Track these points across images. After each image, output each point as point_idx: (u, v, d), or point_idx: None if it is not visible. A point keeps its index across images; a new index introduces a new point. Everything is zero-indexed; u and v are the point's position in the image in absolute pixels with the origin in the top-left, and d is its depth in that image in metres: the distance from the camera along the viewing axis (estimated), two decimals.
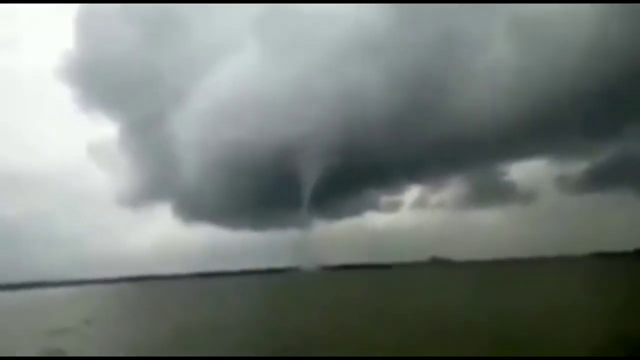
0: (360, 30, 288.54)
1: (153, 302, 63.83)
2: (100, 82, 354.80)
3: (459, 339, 17.78)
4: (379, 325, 23.89)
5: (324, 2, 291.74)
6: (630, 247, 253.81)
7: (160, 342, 21.77)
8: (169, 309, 46.64)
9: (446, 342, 17.06)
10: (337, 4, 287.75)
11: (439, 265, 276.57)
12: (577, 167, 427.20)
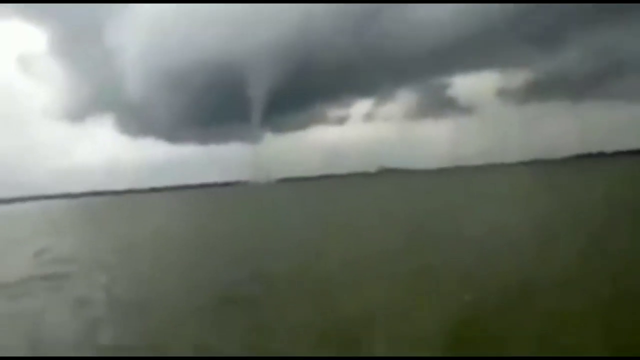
0: None
1: (104, 218, 62.77)
2: None
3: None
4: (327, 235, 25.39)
5: None
6: (569, 153, 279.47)
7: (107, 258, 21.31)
8: (120, 224, 46.17)
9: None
10: None
11: (386, 174, 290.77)
12: (518, 78, 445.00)
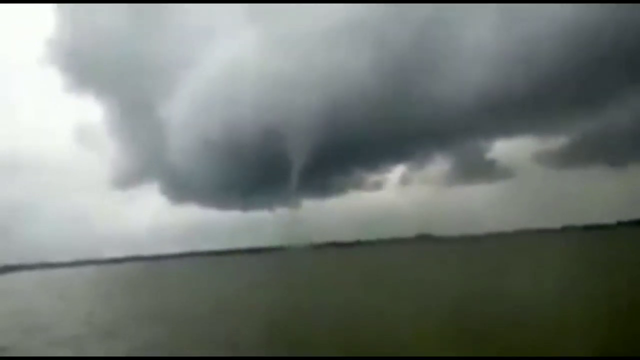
0: (346, 12, 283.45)
1: (154, 282, 63.89)
2: (86, 66, 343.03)
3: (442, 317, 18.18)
4: (378, 298, 24.33)
5: None
6: (612, 219, 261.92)
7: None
8: (175, 290, 46.74)
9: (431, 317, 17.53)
10: None
11: (424, 241, 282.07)
12: (557, 143, 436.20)
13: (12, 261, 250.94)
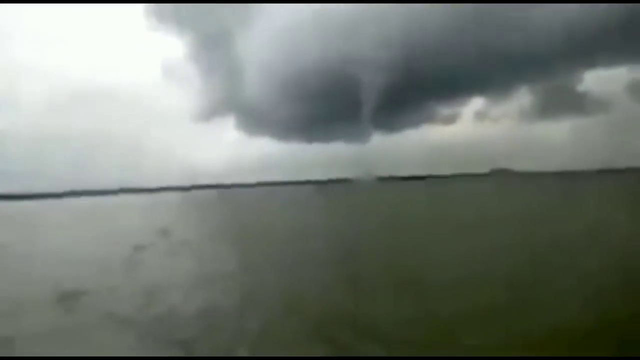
0: None
1: (232, 208, 68.41)
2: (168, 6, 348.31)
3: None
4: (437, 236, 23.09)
5: None
6: None
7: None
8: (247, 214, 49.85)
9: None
10: None
11: (498, 176, 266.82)
12: None
13: (97, 186, 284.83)
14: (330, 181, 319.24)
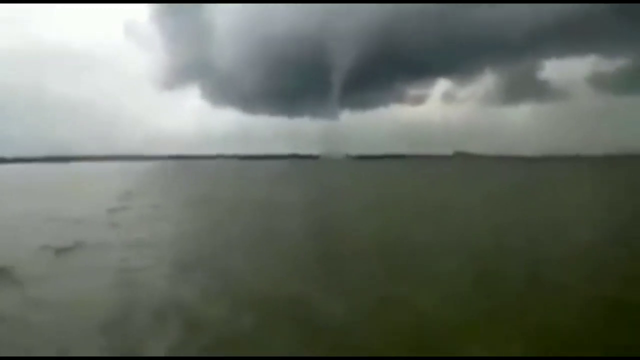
0: None
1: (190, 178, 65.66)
2: None
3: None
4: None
5: None
6: None
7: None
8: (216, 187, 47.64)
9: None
10: None
11: (460, 159, 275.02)
12: (615, 64, 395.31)
13: (56, 152, 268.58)
14: (297, 156, 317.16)
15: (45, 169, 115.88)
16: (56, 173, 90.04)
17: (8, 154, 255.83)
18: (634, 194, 37.11)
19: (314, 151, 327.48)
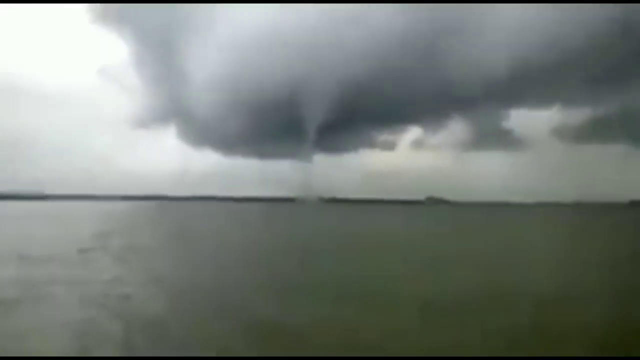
0: None
1: (153, 219, 67.41)
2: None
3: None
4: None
5: None
6: (625, 198, 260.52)
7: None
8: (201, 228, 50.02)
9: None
10: None
11: (434, 204, 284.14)
12: (578, 117, 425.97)
13: (33, 190, 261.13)
14: (273, 199, 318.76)
15: (17, 207, 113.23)
16: (28, 211, 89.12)
17: None
18: (586, 239, 42.61)
19: (290, 194, 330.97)
